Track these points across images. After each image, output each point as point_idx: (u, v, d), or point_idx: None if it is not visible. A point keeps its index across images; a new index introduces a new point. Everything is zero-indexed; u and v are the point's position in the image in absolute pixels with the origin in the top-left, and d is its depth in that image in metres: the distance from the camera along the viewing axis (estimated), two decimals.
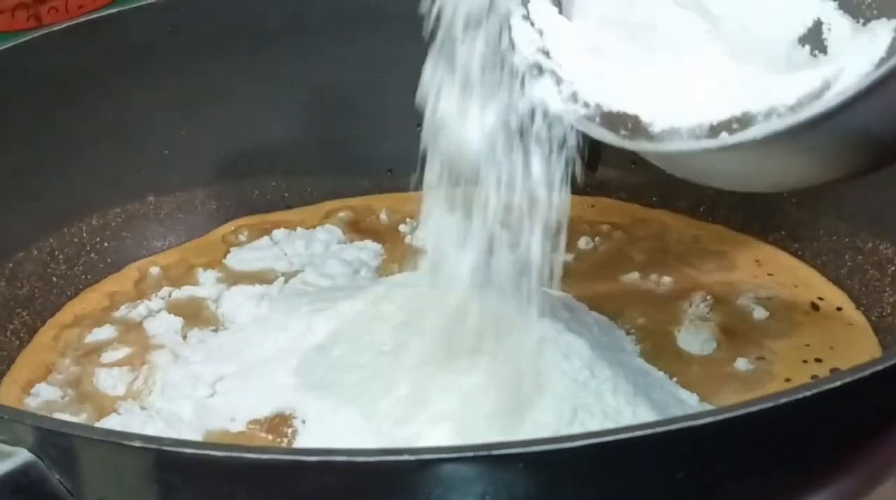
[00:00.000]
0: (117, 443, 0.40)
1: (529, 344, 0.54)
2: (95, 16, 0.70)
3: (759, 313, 0.63)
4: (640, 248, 0.69)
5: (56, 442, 0.41)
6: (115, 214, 0.71)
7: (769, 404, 0.40)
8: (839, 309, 0.63)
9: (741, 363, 0.59)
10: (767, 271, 0.66)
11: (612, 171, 0.73)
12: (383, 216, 0.72)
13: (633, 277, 0.66)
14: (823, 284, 0.65)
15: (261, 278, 0.67)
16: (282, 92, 0.74)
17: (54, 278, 0.67)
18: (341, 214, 0.73)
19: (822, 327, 0.62)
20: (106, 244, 0.70)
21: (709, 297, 0.64)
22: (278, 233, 0.71)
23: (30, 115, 0.67)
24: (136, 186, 0.71)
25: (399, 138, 0.75)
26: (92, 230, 0.70)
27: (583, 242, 0.69)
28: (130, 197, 0.71)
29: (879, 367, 0.41)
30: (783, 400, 0.40)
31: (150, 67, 0.71)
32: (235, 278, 0.68)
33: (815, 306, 0.64)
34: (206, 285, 0.67)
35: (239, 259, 0.70)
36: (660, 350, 0.60)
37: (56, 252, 0.68)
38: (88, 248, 0.69)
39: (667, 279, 0.66)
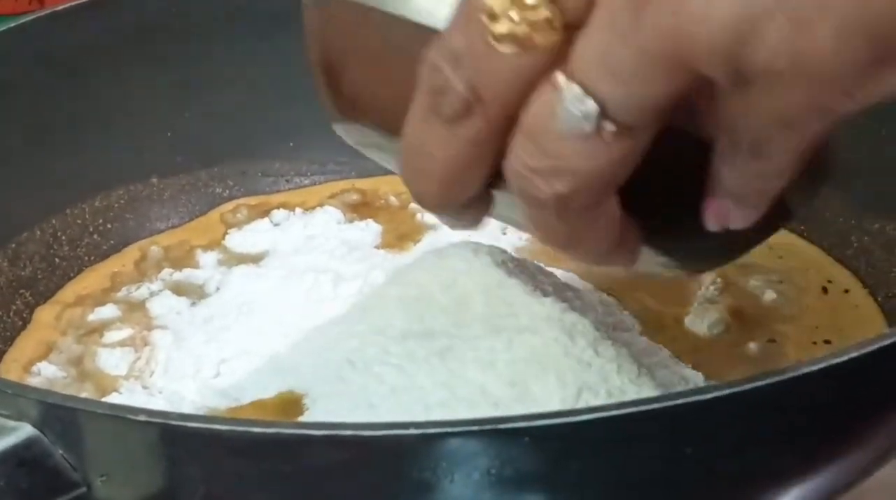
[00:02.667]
0: (122, 417, 0.40)
1: (533, 324, 0.54)
2: None
3: (769, 296, 0.62)
4: None
5: (60, 417, 0.41)
6: (119, 196, 0.70)
7: (776, 379, 0.39)
8: (846, 291, 0.63)
9: (751, 346, 0.59)
10: (778, 255, 0.66)
11: None
12: (389, 200, 0.72)
13: None
14: (832, 266, 0.65)
15: (261, 258, 0.67)
16: (287, 74, 0.73)
17: (57, 260, 0.67)
18: (346, 195, 0.73)
19: (830, 309, 0.62)
20: (109, 226, 0.70)
21: (719, 280, 0.63)
22: (278, 214, 0.71)
23: (33, 95, 0.67)
24: (139, 168, 0.71)
25: None
26: (95, 212, 0.69)
27: None
28: (134, 178, 0.71)
29: (886, 342, 0.41)
30: (790, 375, 0.40)
31: (154, 48, 0.71)
32: (236, 259, 0.68)
33: (825, 290, 0.63)
34: (207, 266, 0.67)
35: (238, 240, 0.69)
36: (668, 332, 0.60)
37: (59, 233, 0.68)
38: (91, 229, 0.69)
39: None
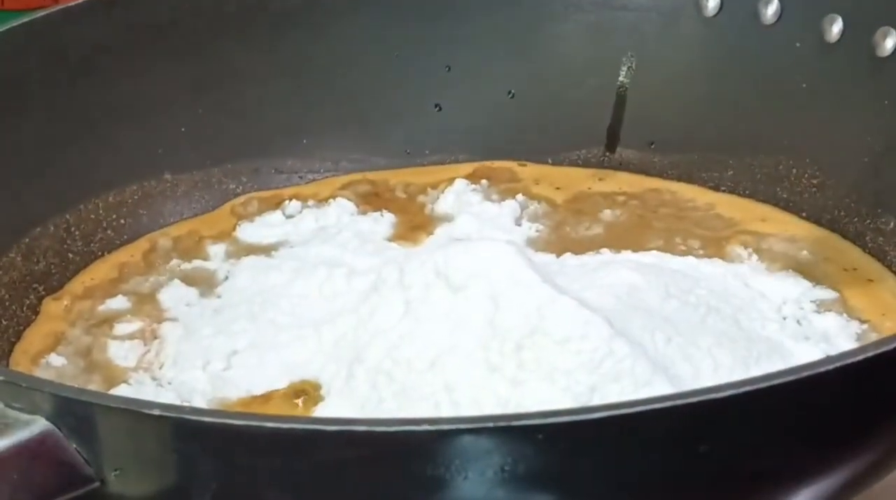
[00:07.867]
0: (136, 411, 0.40)
1: (544, 323, 0.54)
2: None
3: None
4: (659, 215, 0.69)
5: (74, 410, 0.41)
6: (132, 192, 0.70)
7: (791, 378, 0.39)
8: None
9: None
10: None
11: (631, 152, 0.73)
12: (399, 191, 0.72)
13: (659, 243, 0.66)
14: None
15: (271, 249, 0.67)
16: (299, 72, 0.74)
17: (70, 255, 0.67)
18: (357, 186, 0.73)
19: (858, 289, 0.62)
20: (122, 221, 0.70)
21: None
22: (290, 206, 0.71)
23: (47, 91, 0.67)
24: (152, 164, 0.71)
25: (416, 118, 0.75)
26: (108, 207, 0.69)
27: (607, 214, 0.69)
28: (147, 174, 0.71)
29: None
30: (805, 374, 0.39)
31: (167, 45, 0.71)
32: (245, 250, 0.67)
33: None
34: (216, 257, 0.67)
35: (249, 232, 0.69)
36: None
37: (72, 228, 0.68)
38: (105, 224, 0.69)
39: (694, 243, 0.66)
